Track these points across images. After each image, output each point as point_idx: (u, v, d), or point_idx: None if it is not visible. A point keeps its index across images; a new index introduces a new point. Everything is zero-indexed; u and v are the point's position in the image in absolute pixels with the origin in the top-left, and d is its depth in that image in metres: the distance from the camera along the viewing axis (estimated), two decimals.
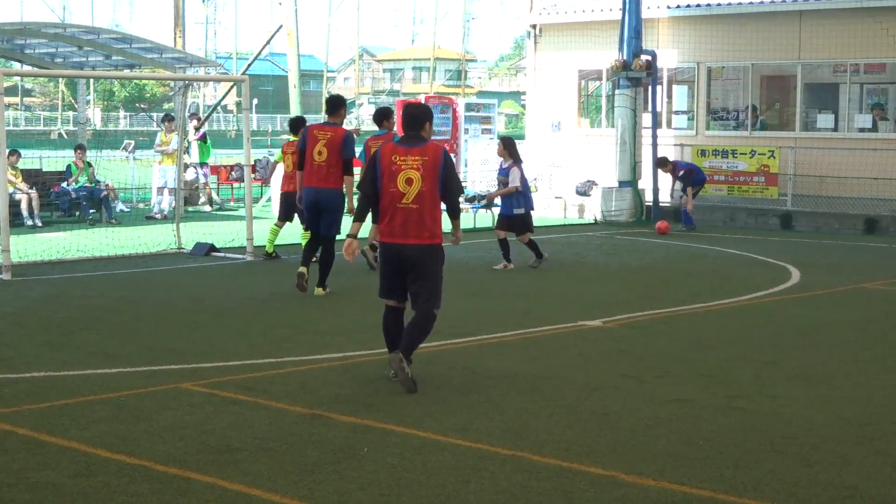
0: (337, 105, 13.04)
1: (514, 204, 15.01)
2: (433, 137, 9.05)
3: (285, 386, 8.32)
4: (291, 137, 15.66)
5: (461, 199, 10.12)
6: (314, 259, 12.69)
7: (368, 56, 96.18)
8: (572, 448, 6.72)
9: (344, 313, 11.72)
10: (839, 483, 6.08)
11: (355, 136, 18.74)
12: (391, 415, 7.44)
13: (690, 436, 7.02)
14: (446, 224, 8.37)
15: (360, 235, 8.50)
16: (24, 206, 20.57)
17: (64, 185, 21.88)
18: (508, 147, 15.23)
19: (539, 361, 9.35)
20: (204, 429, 7.07)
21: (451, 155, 30.22)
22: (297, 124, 15.49)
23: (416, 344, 8.40)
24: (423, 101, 10.16)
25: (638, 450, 6.71)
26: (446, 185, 8.25)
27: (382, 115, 14.32)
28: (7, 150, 21.69)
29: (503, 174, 15.23)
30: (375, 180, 8.24)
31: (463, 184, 23.65)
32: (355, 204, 9.93)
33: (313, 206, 12.50)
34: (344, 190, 12.51)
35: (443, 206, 8.40)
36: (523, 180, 15.13)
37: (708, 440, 6.93)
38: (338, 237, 11.85)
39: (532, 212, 15.38)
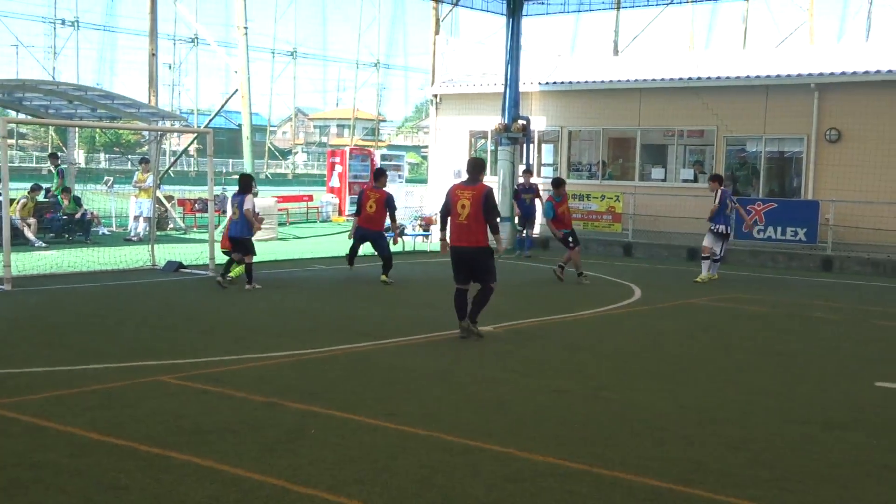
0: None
1: (240, 229, 13.97)
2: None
3: (245, 378, 8.03)
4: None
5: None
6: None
7: (302, 114, 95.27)
8: (476, 430, 6.59)
9: (289, 320, 11.47)
10: (686, 459, 6.05)
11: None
12: (333, 402, 7.23)
13: (568, 420, 6.96)
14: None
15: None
16: (28, 232, 19.93)
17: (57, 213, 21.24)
18: (242, 183, 14.19)
19: (445, 359, 9.23)
20: (179, 414, 6.78)
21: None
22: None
23: (479, 310, 10.26)
24: (478, 157, 10.79)
25: (528, 431, 6.62)
26: (484, 212, 9.92)
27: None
28: (31, 185, 21.10)
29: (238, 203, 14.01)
30: (448, 206, 10.13)
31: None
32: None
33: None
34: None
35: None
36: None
37: (581, 423, 6.87)
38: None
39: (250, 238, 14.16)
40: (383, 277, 14.92)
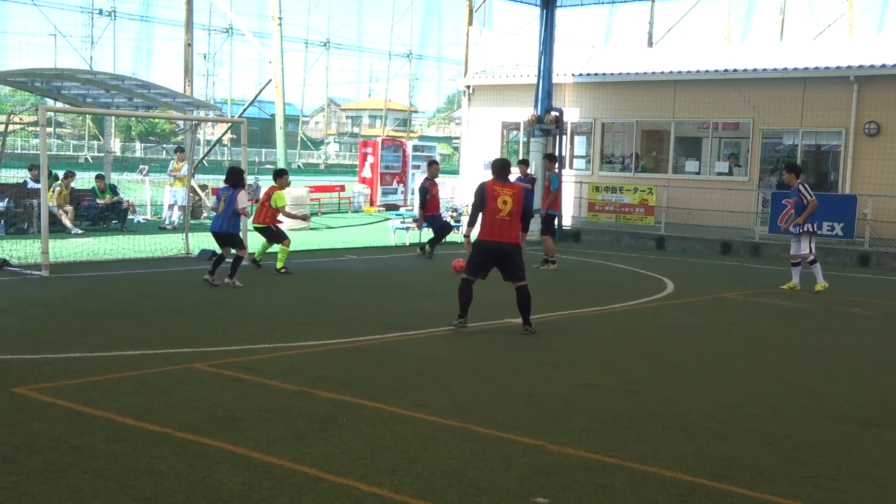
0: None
1: (224, 224, 13.20)
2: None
3: (278, 367, 8.09)
4: (272, 183, 15.25)
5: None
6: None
7: (334, 105, 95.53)
8: (507, 422, 6.59)
9: (320, 310, 11.52)
10: (719, 454, 6.02)
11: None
12: (363, 392, 7.26)
13: (599, 413, 6.93)
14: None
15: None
16: (66, 219, 20.21)
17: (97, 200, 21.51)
18: (232, 176, 13.44)
19: (475, 350, 9.24)
20: (213, 402, 6.84)
21: (401, 185, 29.87)
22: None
23: (530, 311, 10.13)
24: (504, 158, 10.98)
25: (559, 424, 6.61)
26: (524, 209, 10.32)
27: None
28: (64, 172, 21.38)
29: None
30: (483, 202, 9.95)
31: (409, 208, 23.66)
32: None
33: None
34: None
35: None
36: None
37: (613, 417, 6.84)
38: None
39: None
40: (427, 248, 17.56)
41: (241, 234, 13.63)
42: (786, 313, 12.52)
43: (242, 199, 13.18)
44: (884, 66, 20.42)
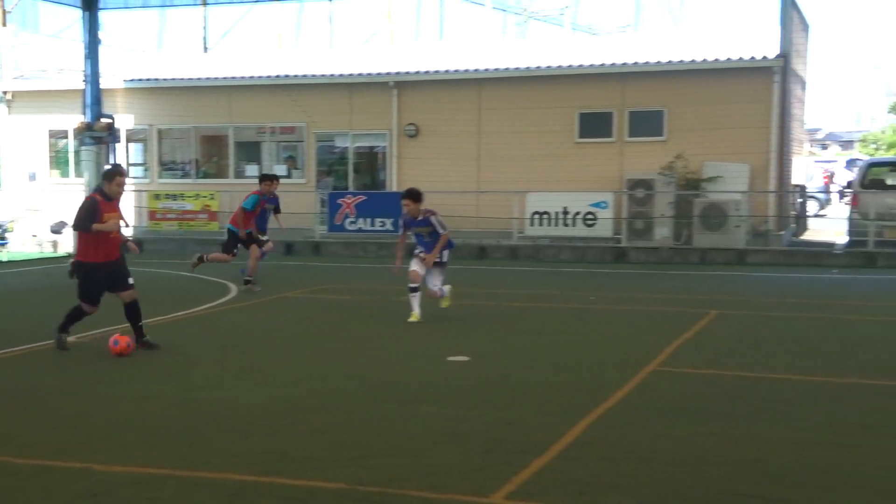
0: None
1: None
2: None
3: None
4: None
5: None
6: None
7: None
8: (53, 448, 6.19)
9: None
10: (271, 449, 6.15)
11: None
12: None
13: (153, 426, 6.77)
14: None
15: None
16: None
17: None
18: None
19: (19, 373, 8.54)
20: None
21: None
22: None
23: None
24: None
25: (110, 443, 6.35)
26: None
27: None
28: None
29: None
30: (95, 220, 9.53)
31: None
32: None
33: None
34: None
35: None
36: None
37: (168, 427, 6.72)
38: None
39: None
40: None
41: None
42: (341, 308, 13.19)
43: None
44: (418, 72, 22.33)
